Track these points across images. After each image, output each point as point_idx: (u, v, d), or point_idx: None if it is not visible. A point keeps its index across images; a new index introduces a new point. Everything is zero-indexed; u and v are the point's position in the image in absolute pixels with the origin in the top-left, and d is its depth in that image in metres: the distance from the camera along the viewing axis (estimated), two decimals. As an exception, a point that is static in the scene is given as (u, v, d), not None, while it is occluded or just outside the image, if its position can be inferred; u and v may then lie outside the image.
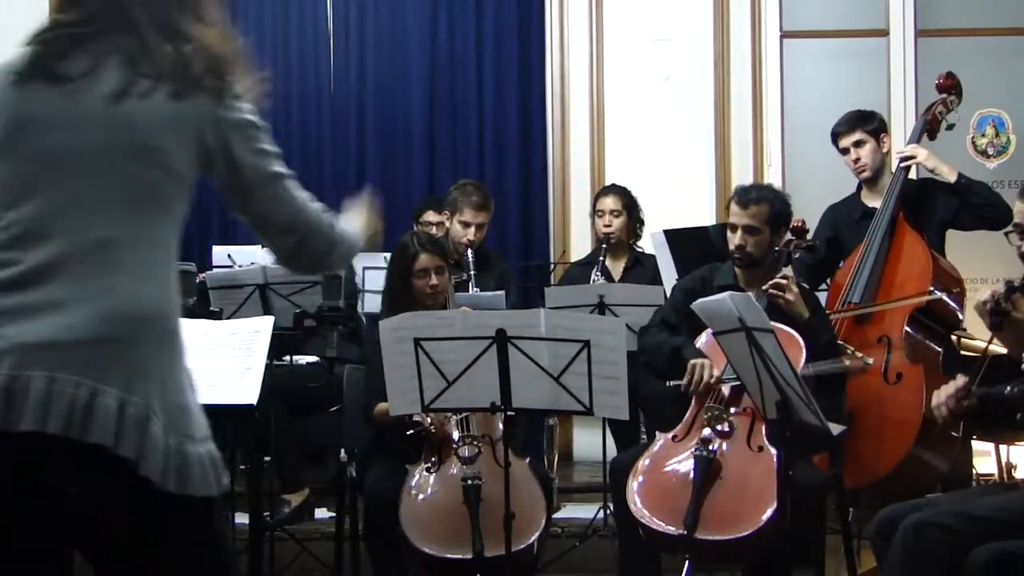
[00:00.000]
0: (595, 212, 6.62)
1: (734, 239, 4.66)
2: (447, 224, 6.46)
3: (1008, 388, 3.38)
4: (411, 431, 4.44)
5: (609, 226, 6.44)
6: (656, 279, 6.13)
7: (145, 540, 2.22)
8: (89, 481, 2.16)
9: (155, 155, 2.23)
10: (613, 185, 6.77)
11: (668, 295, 5.20)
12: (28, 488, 2.16)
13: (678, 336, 4.68)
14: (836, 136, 5.72)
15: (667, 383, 4.57)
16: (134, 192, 2.23)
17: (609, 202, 6.50)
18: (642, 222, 6.59)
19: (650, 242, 6.13)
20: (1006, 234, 3.77)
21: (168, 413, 2.19)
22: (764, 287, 4.56)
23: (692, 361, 4.46)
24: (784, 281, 4.54)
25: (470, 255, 6.22)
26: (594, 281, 6.14)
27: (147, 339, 2.20)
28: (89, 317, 2.15)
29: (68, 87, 2.22)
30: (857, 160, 5.63)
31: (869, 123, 5.67)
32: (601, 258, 6.34)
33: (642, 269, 6.40)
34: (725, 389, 4.36)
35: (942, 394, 3.52)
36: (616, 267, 6.48)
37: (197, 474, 2.20)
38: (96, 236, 2.19)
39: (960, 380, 3.52)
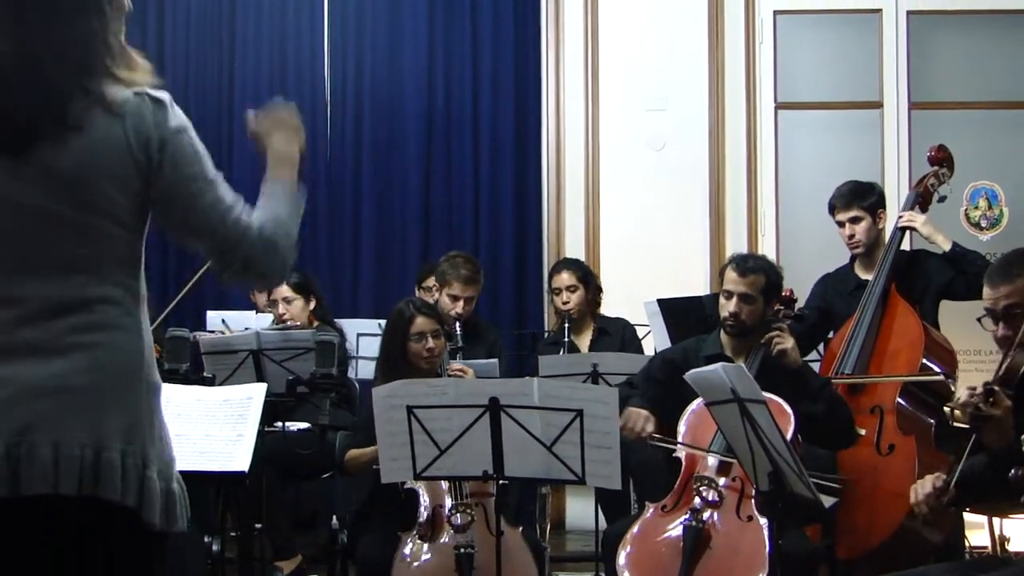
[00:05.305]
0: (551, 290, 6.55)
1: (728, 306, 4.65)
2: (436, 295, 6.45)
3: (1012, 472, 3.30)
4: None
5: (567, 302, 6.37)
6: (625, 346, 6.13)
7: (126, 571, 2.30)
8: (92, 525, 2.25)
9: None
10: (565, 260, 6.75)
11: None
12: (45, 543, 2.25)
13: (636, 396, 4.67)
14: (832, 209, 5.66)
15: None
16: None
17: (564, 278, 6.41)
18: (600, 289, 6.55)
19: (644, 311, 6.14)
20: (979, 319, 3.73)
21: (160, 456, 2.30)
22: (765, 337, 4.58)
23: (629, 409, 4.47)
24: (780, 331, 4.57)
25: (458, 328, 6.19)
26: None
27: (137, 390, 2.28)
28: (84, 373, 2.22)
29: None
30: (852, 236, 5.57)
31: (866, 199, 5.58)
32: (566, 338, 6.25)
33: (609, 339, 6.34)
34: (712, 460, 4.37)
35: (920, 492, 3.48)
36: (582, 341, 6.40)
37: (178, 511, 2.32)
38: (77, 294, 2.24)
39: (938, 478, 3.48)
